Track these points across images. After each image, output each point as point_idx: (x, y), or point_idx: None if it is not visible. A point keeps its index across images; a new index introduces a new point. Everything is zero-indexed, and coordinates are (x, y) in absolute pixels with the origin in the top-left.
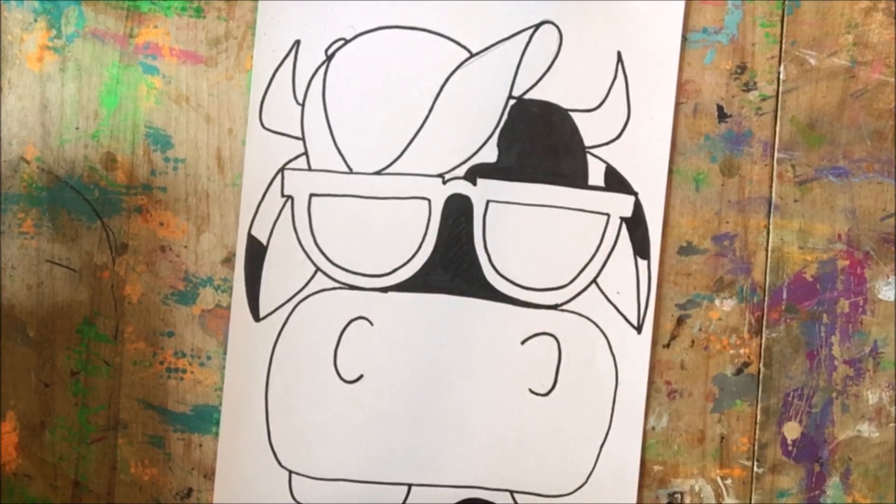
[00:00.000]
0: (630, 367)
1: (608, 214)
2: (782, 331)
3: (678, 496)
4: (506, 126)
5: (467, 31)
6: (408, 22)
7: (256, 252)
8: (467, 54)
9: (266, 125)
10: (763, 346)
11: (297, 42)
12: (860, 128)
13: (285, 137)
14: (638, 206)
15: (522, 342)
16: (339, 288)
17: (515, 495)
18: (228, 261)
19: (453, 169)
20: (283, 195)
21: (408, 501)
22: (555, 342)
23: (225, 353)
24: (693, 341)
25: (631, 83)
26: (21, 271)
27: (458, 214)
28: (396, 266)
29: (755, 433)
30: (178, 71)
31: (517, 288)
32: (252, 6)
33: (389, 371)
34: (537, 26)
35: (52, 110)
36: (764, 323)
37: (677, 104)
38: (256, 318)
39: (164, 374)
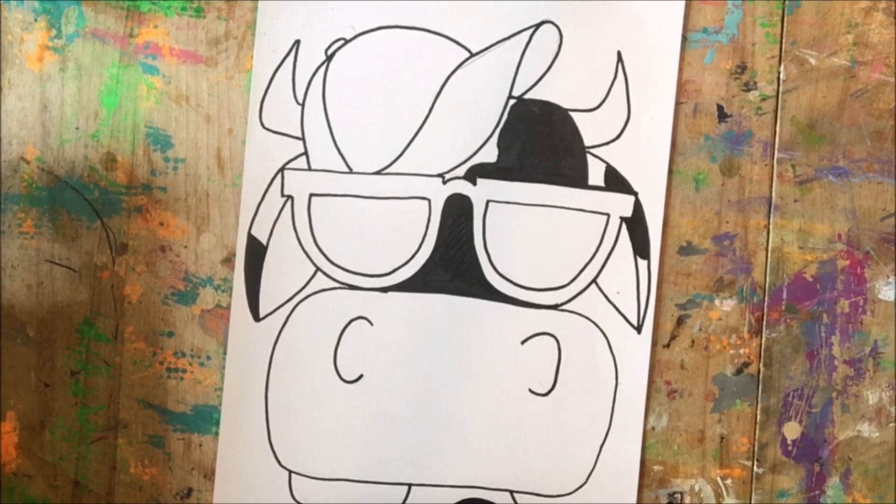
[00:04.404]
0: (630, 367)
1: (608, 214)
2: (782, 331)
3: (678, 496)
4: (506, 126)
5: (467, 31)
6: (408, 22)
7: (256, 252)
8: (467, 54)
9: (266, 125)
10: (763, 346)
11: (297, 42)
12: (860, 128)
13: (285, 137)
14: (638, 206)
15: (522, 342)
16: (339, 288)
17: (515, 495)
18: (228, 261)
19: (453, 169)
20: (283, 195)
21: (408, 501)
22: (555, 342)
23: (225, 353)
24: (693, 341)
25: (631, 83)
26: (21, 271)
27: (458, 214)
28: (396, 266)
29: (755, 433)
30: (178, 71)
31: (517, 288)
32: (252, 6)
33: (389, 371)
34: (537, 26)
35: (52, 110)
36: (764, 323)
37: (677, 104)
38: (256, 318)
39: (163, 374)
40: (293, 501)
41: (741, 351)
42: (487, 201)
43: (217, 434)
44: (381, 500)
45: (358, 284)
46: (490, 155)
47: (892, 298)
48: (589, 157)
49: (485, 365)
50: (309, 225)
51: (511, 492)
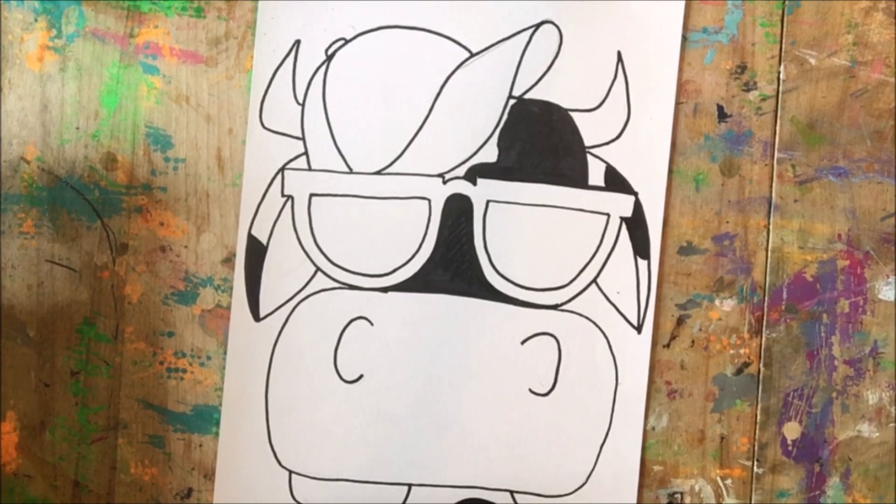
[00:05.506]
0: (630, 367)
1: (608, 214)
2: (782, 331)
3: (678, 496)
4: (506, 126)
5: (467, 31)
6: (408, 22)
7: (256, 252)
8: (467, 54)
9: (266, 125)
10: (763, 346)
11: (297, 42)
12: (860, 128)
13: (285, 137)
14: (638, 206)
15: (522, 342)
16: (339, 288)
17: (515, 495)
18: (228, 261)
19: (453, 169)
20: (283, 195)
21: (408, 501)
22: (555, 342)
23: (225, 353)
24: (693, 341)
25: (631, 83)
26: (21, 271)
27: (458, 214)
28: (396, 266)
29: (755, 433)
30: (178, 71)
31: (517, 288)
32: (252, 6)
33: (389, 371)
34: (537, 26)
35: (53, 110)
36: (764, 323)
37: (677, 104)
38: (256, 318)
39: (164, 374)
40: (293, 501)
41: (741, 351)
42: (487, 201)
43: (217, 434)
44: (382, 500)
45: (358, 284)
46: (490, 155)
47: (892, 298)
48: (589, 157)
49: (485, 365)
50: (309, 225)
51: (511, 492)
